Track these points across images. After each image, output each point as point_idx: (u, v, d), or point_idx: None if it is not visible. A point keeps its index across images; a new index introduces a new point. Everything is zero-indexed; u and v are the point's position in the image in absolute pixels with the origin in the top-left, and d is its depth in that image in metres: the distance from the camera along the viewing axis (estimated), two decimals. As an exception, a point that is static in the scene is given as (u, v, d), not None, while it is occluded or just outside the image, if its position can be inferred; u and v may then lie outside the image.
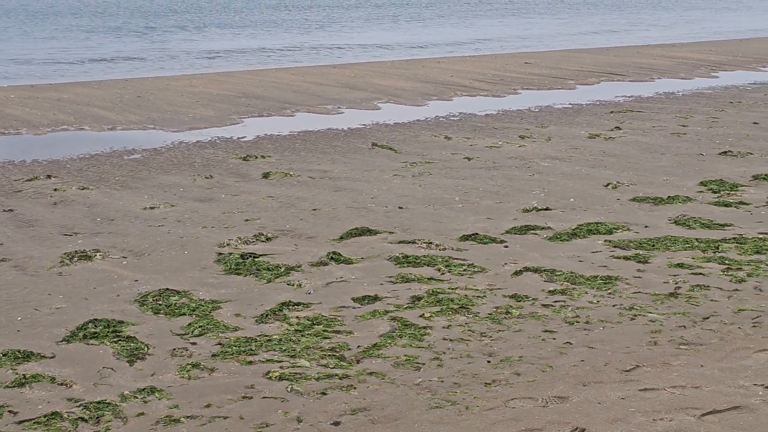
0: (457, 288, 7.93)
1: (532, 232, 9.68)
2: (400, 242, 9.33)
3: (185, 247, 9.18)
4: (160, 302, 7.60)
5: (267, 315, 7.30)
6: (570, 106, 18.77)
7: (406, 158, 13.53)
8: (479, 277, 8.25)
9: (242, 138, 15.25)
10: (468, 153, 13.89)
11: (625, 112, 17.82)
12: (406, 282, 8.11)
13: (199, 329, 7.02)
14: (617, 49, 31.04)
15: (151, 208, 10.75)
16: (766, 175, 12.27)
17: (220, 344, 6.74)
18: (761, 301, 7.61)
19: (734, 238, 9.37)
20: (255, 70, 24.49)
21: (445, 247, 9.15)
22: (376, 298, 7.69)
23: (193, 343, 6.77)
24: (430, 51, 31.41)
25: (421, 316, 7.27)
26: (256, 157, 13.62)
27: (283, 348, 6.64)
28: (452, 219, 10.21)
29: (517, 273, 8.32)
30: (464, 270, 8.41)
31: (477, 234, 9.52)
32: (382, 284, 8.07)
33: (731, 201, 10.93)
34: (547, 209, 10.61)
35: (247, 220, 10.18)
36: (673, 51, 29.69)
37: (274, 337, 6.85)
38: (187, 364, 6.36)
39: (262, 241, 9.36)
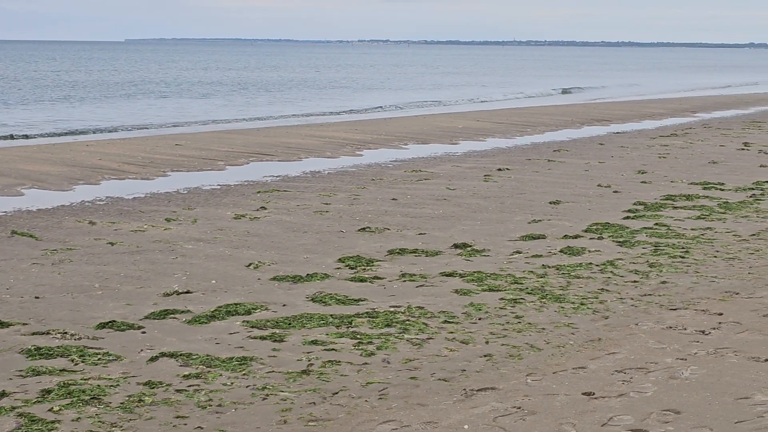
0: (90, 378, 7.76)
1: (171, 316, 9.66)
2: (33, 334, 9.04)
3: None
4: None
5: None
6: (218, 187, 18.94)
7: (47, 245, 13.16)
8: (114, 365, 8.13)
9: None
10: (112, 238, 13.69)
11: (271, 191, 18.17)
12: (36, 375, 7.86)
13: None
14: (267, 129, 31.72)
15: None
16: (400, 249, 12.87)
17: None
18: (388, 372, 7.96)
19: (367, 313, 9.75)
20: None
21: (81, 336, 8.95)
22: (3, 394, 7.39)
23: None
24: (76, 136, 30.84)
25: (50, 410, 7.06)
26: None
27: None
28: (90, 307, 10.01)
29: (152, 359, 8.26)
30: (99, 359, 8.26)
31: (114, 321, 9.38)
32: (11, 379, 7.77)
33: (366, 276, 11.38)
34: (188, 292, 10.62)
35: None
36: (321, 130, 30.68)
37: None
38: None
39: None
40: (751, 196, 17.67)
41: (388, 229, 14.42)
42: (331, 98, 52.97)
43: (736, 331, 9.30)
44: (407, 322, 9.48)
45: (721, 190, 18.53)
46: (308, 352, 8.47)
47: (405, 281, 11.23)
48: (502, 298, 10.40)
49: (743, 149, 26.03)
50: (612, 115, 39.16)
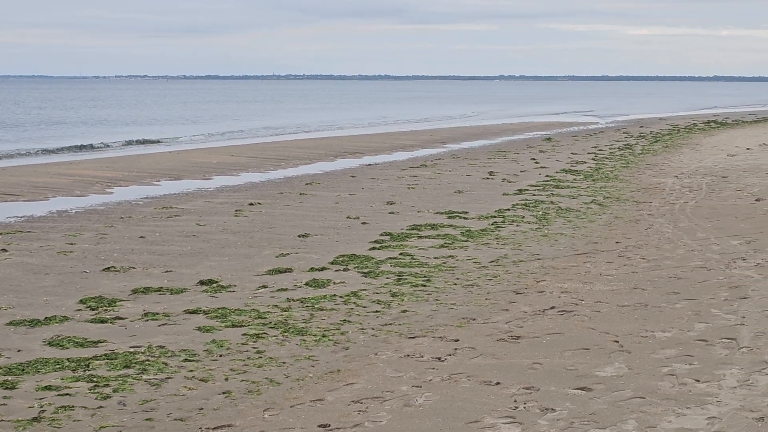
0: None
1: None
2: None
3: None
4: None
5: None
6: (-44, 229, 18.12)
7: None
8: None
9: None
10: None
11: (14, 233, 17.55)
12: None
13: None
14: (13, 168, 30.64)
15: None
16: (144, 288, 12.68)
17: None
18: (123, 415, 7.82)
19: (105, 355, 9.55)
20: None
21: None
22: None
23: None
24: None
25: None
26: None
27: None
28: None
29: None
30: None
31: None
32: None
33: (107, 317, 11.15)
34: None
35: None
36: (70, 169, 29.89)
37: None
38: None
39: None
40: (492, 224, 18.36)
41: (134, 268, 14.18)
42: (83, 135, 51.63)
43: (471, 356, 9.63)
44: (147, 362, 9.35)
45: (465, 218, 19.18)
46: (41, 398, 8.22)
47: (147, 320, 11.07)
48: (245, 334, 10.41)
49: (488, 178, 27.03)
50: (365, 147, 39.90)
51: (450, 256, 15.10)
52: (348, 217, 19.28)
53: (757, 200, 21.52)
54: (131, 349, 9.79)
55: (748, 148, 37.27)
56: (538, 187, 24.54)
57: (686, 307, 11.57)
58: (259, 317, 11.16)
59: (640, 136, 46.96)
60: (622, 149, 38.04)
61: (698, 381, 8.73)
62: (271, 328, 10.67)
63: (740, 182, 25.27)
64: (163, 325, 10.87)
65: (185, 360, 9.44)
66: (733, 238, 16.44)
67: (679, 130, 51.58)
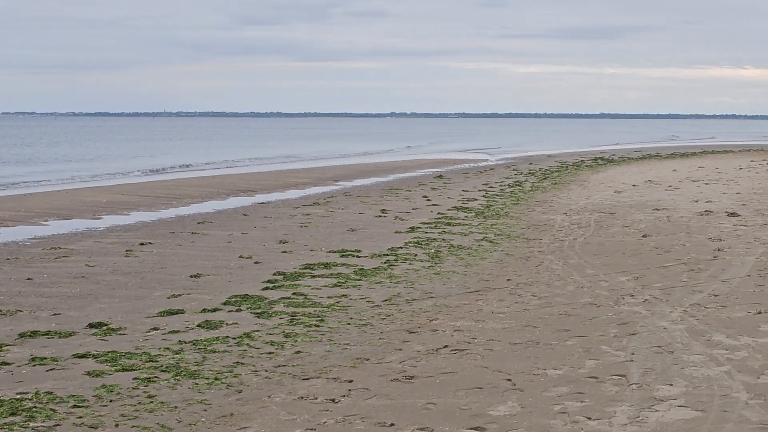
0: None
1: None
2: None
3: None
4: None
5: None
6: None
7: None
8: None
9: None
10: None
11: None
12: None
13: None
14: None
15: None
16: (31, 332, 12.40)
17: None
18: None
19: (-10, 402, 9.29)
20: None
21: None
22: None
23: None
24: None
25: None
26: None
27: None
28: None
29: None
30: None
31: None
32: None
33: (-9, 363, 10.86)
34: None
35: None
36: (-46, 208, 29.13)
37: None
38: None
39: None
40: (385, 262, 18.41)
41: (21, 311, 13.86)
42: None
43: (365, 397, 9.62)
44: (34, 409, 9.12)
45: (358, 257, 19.21)
46: None
47: (35, 365, 10.82)
48: (135, 378, 10.24)
49: (381, 216, 27.14)
50: (258, 185, 39.76)
51: (343, 295, 15.09)
52: (241, 257, 19.15)
53: (643, 236, 21.99)
54: (18, 396, 9.55)
55: (634, 185, 38.12)
56: (430, 225, 24.72)
57: (577, 344, 11.75)
58: (150, 360, 10.99)
59: (530, 173, 47.71)
60: (512, 186, 38.59)
61: (589, 419, 8.86)
62: (163, 371, 10.52)
63: (627, 218, 25.81)
64: (51, 370, 10.63)
65: (74, 406, 9.23)
66: (621, 275, 16.76)
67: (567, 167, 52.54)
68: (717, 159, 60.78)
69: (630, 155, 68.54)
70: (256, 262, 18.46)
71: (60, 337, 12.25)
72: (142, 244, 21.11)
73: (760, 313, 13.43)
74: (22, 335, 12.31)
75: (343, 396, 9.63)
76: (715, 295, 14.77)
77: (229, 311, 13.86)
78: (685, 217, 25.84)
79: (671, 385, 9.91)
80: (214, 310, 13.93)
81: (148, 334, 12.44)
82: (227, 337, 12.19)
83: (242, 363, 10.92)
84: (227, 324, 12.96)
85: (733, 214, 26.25)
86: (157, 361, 10.95)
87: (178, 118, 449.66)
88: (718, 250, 19.60)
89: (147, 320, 13.30)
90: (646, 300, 14.49)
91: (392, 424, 8.72)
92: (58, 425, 8.68)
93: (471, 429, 8.60)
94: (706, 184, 38.39)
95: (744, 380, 10.06)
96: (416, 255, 19.40)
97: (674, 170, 47.89)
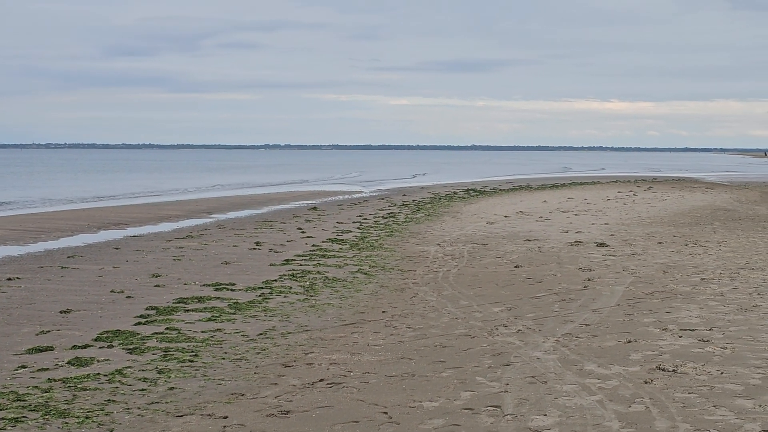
0: None
1: None
2: None
3: None
4: None
5: None
6: None
7: None
8: None
9: None
10: None
11: None
12: None
13: None
14: None
15: None
16: None
17: None
18: None
19: None
20: None
21: None
22: None
23: None
24: None
25: None
26: None
27: None
28: None
29: None
30: None
31: None
32: None
33: None
34: None
35: None
36: None
37: None
38: None
39: None
40: (260, 295, 18.28)
41: None
42: None
43: (240, 432, 9.49)
44: None
45: (232, 290, 19.02)
46: None
47: None
48: (2, 418, 9.92)
49: (255, 249, 26.95)
50: (129, 218, 39.14)
51: (218, 329, 14.92)
52: (112, 291, 18.78)
53: (516, 267, 22.31)
54: None
55: (505, 216, 38.71)
56: (305, 257, 24.65)
57: (452, 376, 11.82)
58: (18, 399, 10.68)
59: (403, 204, 48.05)
60: (386, 218, 38.79)
61: (465, 449, 8.89)
62: (31, 410, 10.23)
63: (500, 249, 26.17)
64: None
65: (-63, 449, 8.90)
66: (495, 305, 16.96)
67: (440, 199, 53.09)
68: (586, 190, 62.22)
69: (501, 186, 69.64)
70: (128, 297, 18.12)
71: None
72: (9, 279, 20.53)
73: (629, 342, 13.73)
74: None
75: (218, 433, 9.49)
76: (587, 325, 15.06)
77: (100, 347, 13.56)
78: (555, 248, 26.33)
79: (545, 415, 10.04)
80: (85, 346, 13.62)
81: (16, 372, 12.08)
82: (98, 374, 11.93)
83: (114, 400, 10.69)
84: (98, 360, 12.68)
85: (602, 245, 26.86)
86: (25, 400, 10.64)
87: (47, 150, 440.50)
88: (588, 280, 20.01)
89: (14, 358, 12.92)
90: (520, 330, 14.68)
91: (268, 460, 8.62)
92: None
93: (348, 463, 8.55)
94: (576, 215, 39.24)
95: (615, 409, 10.25)
96: (291, 288, 19.31)
97: (545, 201, 48.82)
